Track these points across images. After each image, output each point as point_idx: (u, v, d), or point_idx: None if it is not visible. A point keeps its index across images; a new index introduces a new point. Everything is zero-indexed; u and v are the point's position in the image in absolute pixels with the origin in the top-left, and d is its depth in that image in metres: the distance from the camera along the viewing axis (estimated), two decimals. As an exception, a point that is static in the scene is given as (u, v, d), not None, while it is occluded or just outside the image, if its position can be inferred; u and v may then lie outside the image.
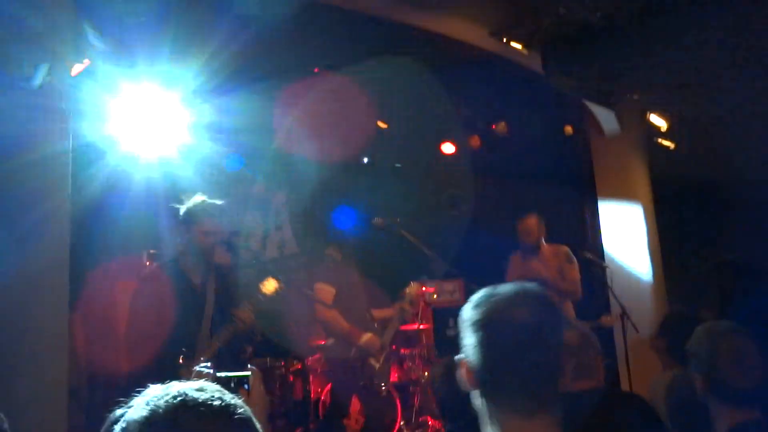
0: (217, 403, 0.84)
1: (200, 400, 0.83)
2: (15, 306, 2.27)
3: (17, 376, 2.16)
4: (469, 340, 1.18)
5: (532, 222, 4.81)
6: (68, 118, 2.73)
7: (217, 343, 3.38)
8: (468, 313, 1.20)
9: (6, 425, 1.62)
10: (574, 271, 4.71)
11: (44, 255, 2.42)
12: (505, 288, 1.19)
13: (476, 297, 1.20)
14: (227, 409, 0.84)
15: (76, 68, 4.64)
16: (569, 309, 4.72)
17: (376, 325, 4.31)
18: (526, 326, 1.11)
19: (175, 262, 3.55)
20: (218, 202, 3.59)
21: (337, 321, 4.09)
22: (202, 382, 0.89)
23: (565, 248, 4.80)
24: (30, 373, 2.17)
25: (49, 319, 2.34)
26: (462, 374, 1.19)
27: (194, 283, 3.49)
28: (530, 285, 1.21)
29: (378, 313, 4.46)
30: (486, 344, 1.13)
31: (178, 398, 0.83)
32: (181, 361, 3.19)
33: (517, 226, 4.84)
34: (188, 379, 3.02)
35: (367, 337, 4.13)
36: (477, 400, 1.19)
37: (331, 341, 4.17)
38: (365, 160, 7.36)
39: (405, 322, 5.85)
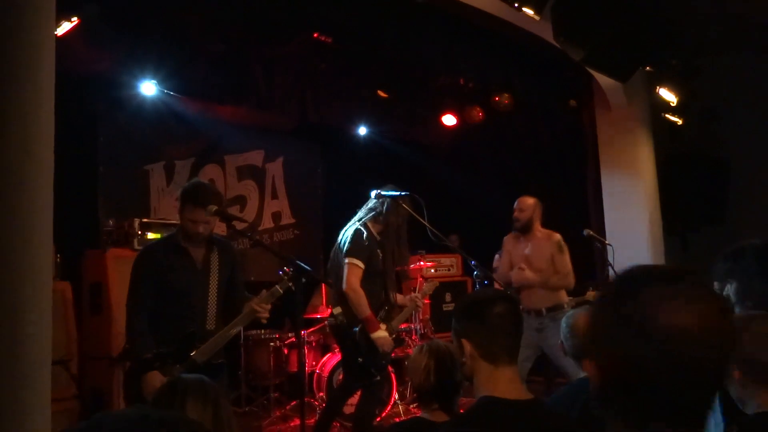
0: None
1: None
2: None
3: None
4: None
5: (528, 201, 4.60)
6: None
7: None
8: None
9: None
10: (565, 260, 4.49)
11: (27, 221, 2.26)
12: None
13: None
14: None
15: (64, 27, 4.45)
16: (563, 296, 4.52)
17: (386, 307, 4.12)
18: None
19: (173, 236, 3.33)
20: (209, 185, 3.35)
21: (360, 304, 3.86)
22: None
23: (558, 236, 4.53)
24: (10, 350, 2.04)
25: (30, 289, 2.18)
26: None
27: (194, 257, 3.28)
28: None
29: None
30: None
31: None
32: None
33: (515, 204, 4.63)
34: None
35: (380, 333, 3.90)
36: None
37: (338, 311, 3.95)
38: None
39: (414, 315, 5.79)
